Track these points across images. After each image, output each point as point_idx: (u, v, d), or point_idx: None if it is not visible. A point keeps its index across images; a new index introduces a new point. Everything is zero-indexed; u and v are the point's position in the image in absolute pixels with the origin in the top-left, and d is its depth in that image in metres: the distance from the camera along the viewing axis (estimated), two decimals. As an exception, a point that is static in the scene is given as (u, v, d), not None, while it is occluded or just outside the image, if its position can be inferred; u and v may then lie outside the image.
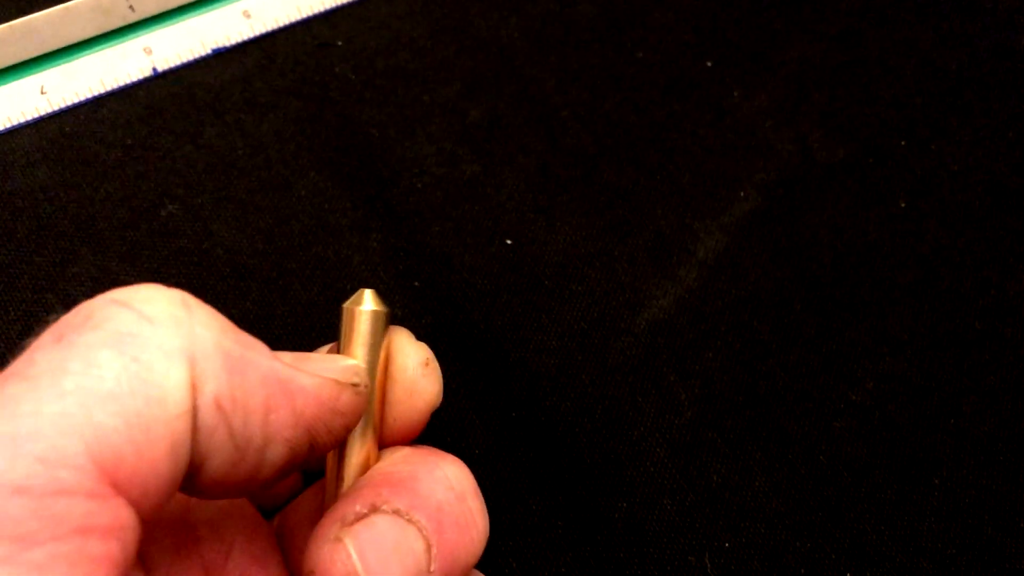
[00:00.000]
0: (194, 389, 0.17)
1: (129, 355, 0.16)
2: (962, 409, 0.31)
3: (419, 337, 0.31)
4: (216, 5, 0.34)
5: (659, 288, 0.32)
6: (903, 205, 0.34)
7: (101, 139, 0.32)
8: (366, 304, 0.21)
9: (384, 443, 0.22)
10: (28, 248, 0.30)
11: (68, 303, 0.30)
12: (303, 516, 0.23)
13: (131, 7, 0.33)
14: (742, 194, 0.33)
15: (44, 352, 0.16)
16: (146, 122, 0.33)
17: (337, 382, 0.19)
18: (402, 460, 0.21)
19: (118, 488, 0.15)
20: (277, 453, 0.18)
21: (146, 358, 0.16)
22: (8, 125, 0.32)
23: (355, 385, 0.19)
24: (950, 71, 0.36)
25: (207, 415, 0.17)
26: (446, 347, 0.30)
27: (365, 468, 0.21)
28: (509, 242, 0.32)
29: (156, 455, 0.16)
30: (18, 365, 0.16)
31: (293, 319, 0.30)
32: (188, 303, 0.17)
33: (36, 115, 0.32)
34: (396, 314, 0.22)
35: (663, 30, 0.36)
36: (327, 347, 0.23)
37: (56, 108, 0.32)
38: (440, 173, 0.33)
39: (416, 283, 0.31)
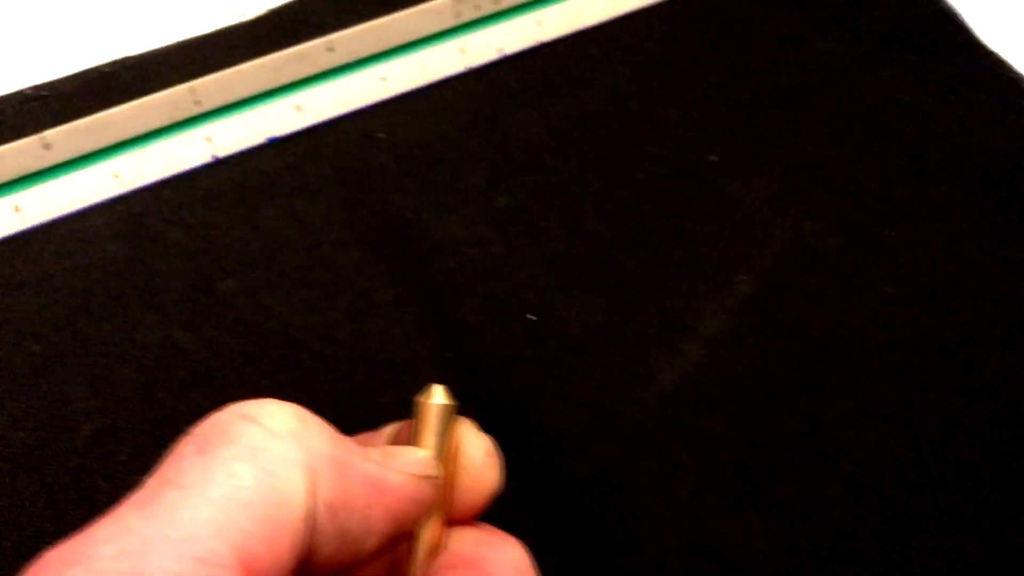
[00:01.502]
0: (312, 495, 0.20)
1: (261, 467, 0.19)
2: (944, 480, 0.34)
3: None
4: (271, 99, 0.38)
5: (667, 362, 0.35)
6: (889, 290, 0.37)
7: (166, 219, 0.36)
8: (436, 398, 0.24)
9: (450, 522, 0.25)
10: (100, 317, 0.34)
11: (136, 368, 0.33)
12: None
13: (196, 101, 0.36)
14: (742, 277, 0.37)
15: (191, 462, 0.19)
16: (206, 204, 0.36)
17: (418, 477, 0.22)
18: (472, 542, 0.24)
19: None
20: (372, 542, 0.21)
21: (274, 469, 0.19)
22: (84, 206, 0.35)
23: (431, 477, 0.23)
24: (932, 166, 0.40)
25: (321, 516, 0.20)
26: (473, 414, 0.33)
27: (435, 546, 0.24)
28: (532, 317, 0.36)
29: (282, 551, 0.19)
30: (169, 472, 0.19)
31: (339, 385, 0.34)
32: (304, 417, 0.21)
33: (109, 196, 0.36)
34: (461, 405, 0.25)
35: (671, 127, 0.40)
36: (391, 426, 0.26)
37: (126, 190, 0.36)
38: (470, 253, 0.36)
39: (448, 354, 0.35)
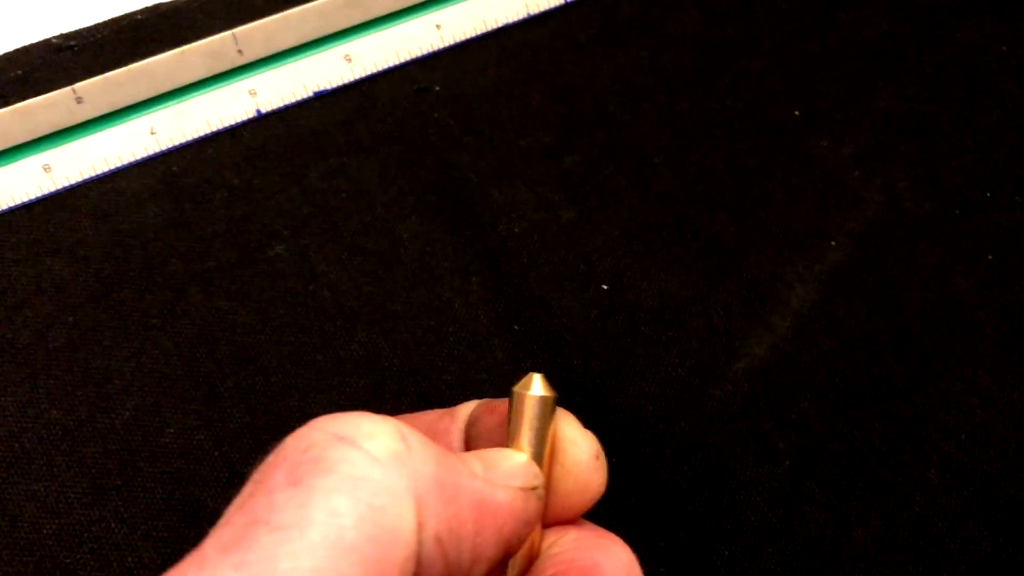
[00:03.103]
0: (419, 528, 0.17)
1: (365, 502, 0.17)
2: (1055, 463, 0.31)
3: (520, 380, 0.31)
4: (319, 49, 0.35)
5: (754, 336, 0.32)
6: (990, 258, 0.34)
7: (208, 179, 0.33)
8: (535, 389, 0.21)
9: (545, 523, 0.22)
10: (139, 286, 0.31)
11: (179, 341, 0.31)
12: None
13: (240, 51, 0.33)
14: (833, 243, 0.34)
15: (284, 496, 0.17)
16: (251, 163, 0.33)
17: (524, 491, 0.20)
18: (576, 546, 0.21)
19: None
20: (479, 571, 0.19)
21: (379, 503, 0.17)
22: (119, 164, 0.33)
23: (534, 488, 0.20)
24: (1033, 123, 0.37)
25: (428, 551, 0.17)
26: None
27: (531, 550, 0.21)
28: (605, 287, 0.33)
29: None
30: (260, 508, 0.16)
31: (398, 361, 0.31)
32: (405, 436, 0.18)
33: (145, 154, 0.33)
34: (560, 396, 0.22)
35: (751, 78, 0.37)
36: (468, 407, 0.23)
37: (164, 148, 0.33)
38: (537, 218, 0.33)
39: (516, 327, 0.32)
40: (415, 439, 0.18)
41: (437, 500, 0.18)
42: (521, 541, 0.20)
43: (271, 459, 0.18)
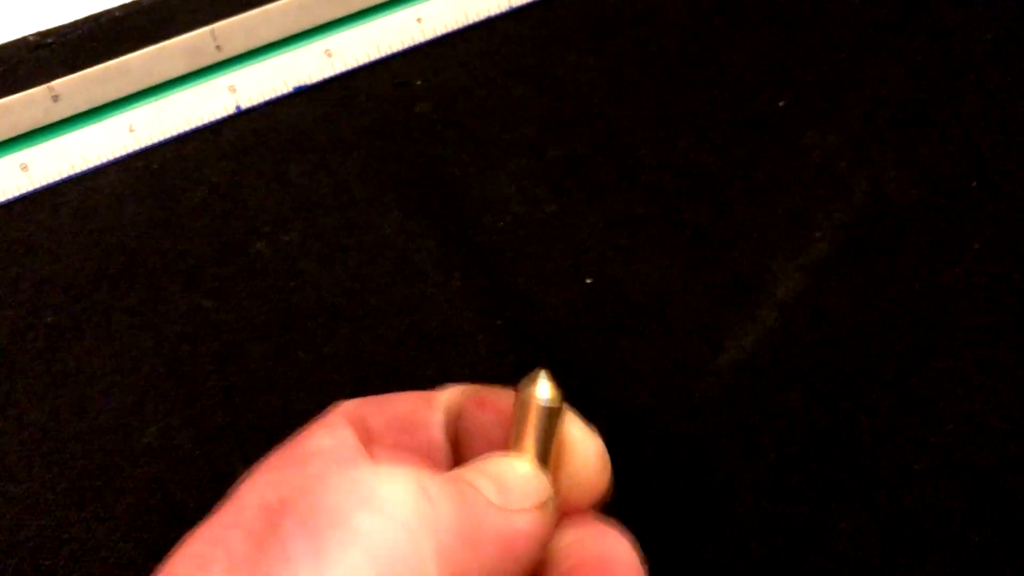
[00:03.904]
0: None
1: (390, 570, 0.16)
2: (1043, 452, 0.31)
3: (504, 375, 0.31)
4: (299, 44, 0.34)
5: (740, 328, 0.32)
6: (977, 247, 0.34)
7: (187, 176, 0.33)
8: (542, 390, 0.21)
9: None
10: (120, 285, 0.31)
11: (161, 340, 0.30)
12: None
13: (218, 47, 0.33)
14: (819, 234, 0.34)
15: (300, 565, 0.16)
16: (231, 159, 0.33)
17: (538, 509, 0.19)
18: (579, 542, 0.21)
19: None
20: None
21: (403, 571, 0.16)
22: (98, 162, 0.32)
23: (547, 504, 0.20)
24: (1020, 113, 0.37)
25: None
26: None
27: None
28: (589, 281, 0.32)
29: None
30: (274, 565, 0.16)
31: (381, 357, 0.31)
32: (428, 491, 0.18)
33: (124, 152, 0.33)
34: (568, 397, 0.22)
35: (736, 69, 0.36)
36: (447, 395, 0.22)
37: (143, 145, 0.33)
38: (520, 212, 0.33)
39: (499, 322, 0.32)
40: (436, 489, 0.18)
41: (461, 551, 0.17)
42: (534, 561, 0.19)
43: (283, 511, 0.17)
